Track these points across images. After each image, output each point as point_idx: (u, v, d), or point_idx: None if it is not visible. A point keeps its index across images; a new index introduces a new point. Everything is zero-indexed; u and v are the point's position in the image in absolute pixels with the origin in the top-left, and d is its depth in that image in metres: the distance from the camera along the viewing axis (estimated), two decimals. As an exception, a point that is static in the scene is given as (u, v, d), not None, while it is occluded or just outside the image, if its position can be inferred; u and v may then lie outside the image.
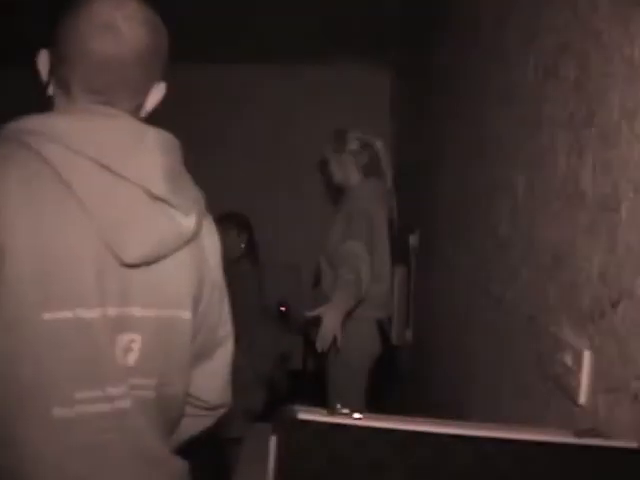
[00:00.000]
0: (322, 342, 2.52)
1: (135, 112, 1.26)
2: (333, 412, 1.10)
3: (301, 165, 4.42)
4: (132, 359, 1.18)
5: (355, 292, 2.68)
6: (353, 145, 3.13)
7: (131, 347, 1.18)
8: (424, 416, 1.18)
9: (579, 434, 1.05)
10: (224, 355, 1.44)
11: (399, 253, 3.54)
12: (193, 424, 1.47)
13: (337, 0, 3.62)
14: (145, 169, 1.13)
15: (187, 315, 1.26)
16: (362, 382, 3.13)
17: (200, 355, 1.39)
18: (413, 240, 3.34)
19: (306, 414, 1.11)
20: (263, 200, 5.11)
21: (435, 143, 3.23)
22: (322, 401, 3.16)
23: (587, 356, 1.41)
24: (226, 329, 1.44)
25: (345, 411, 1.10)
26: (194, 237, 1.24)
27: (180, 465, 1.36)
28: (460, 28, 2.79)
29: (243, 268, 3.67)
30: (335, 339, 2.54)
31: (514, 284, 1.93)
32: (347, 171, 3.14)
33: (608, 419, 1.33)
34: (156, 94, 1.31)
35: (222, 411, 1.49)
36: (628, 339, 1.27)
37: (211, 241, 1.35)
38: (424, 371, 3.18)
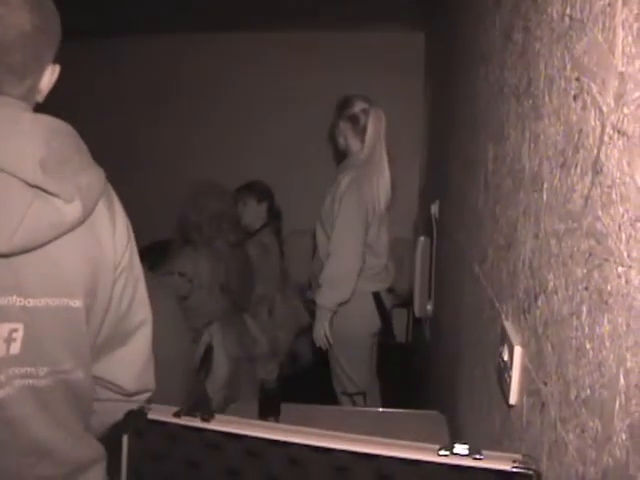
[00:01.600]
0: (318, 343, 3.00)
1: (27, 97, 1.22)
2: (181, 413, 1.03)
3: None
4: (15, 348, 1.16)
5: (337, 291, 2.87)
6: (352, 110, 3.01)
7: (13, 337, 1.16)
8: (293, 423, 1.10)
9: (440, 452, 0.95)
10: (140, 342, 1.41)
11: (422, 224, 3.42)
12: (113, 410, 1.44)
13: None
14: (19, 157, 1.09)
15: (77, 303, 1.23)
16: (365, 358, 3.04)
17: (113, 342, 1.37)
18: (434, 209, 3.19)
19: (156, 414, 1.06)
20: (292, 169, 5.05)
21: (449, 109, 3.06)
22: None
23: (518, 352, 1.29)
24: (141, 316, 1.41)
25: (196, 413, 1.04)
26: (79, 223, 1.19)
27: (88, 451, 1.33)
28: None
29: (264, 238, 3.61)
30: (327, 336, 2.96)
31: (484, 265, 1.79)
32: (347, 137, 3.02)
33: (528, 426, 1.21)
34: (50, 77, 1.26)
35: (144, 397, 1.46)
36: (541, 338, 1.14)
37: (110, 225, 1.30)
38: (438, 344, 3.06)
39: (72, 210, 1.15)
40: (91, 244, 1.25)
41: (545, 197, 1.15)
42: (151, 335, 1.43)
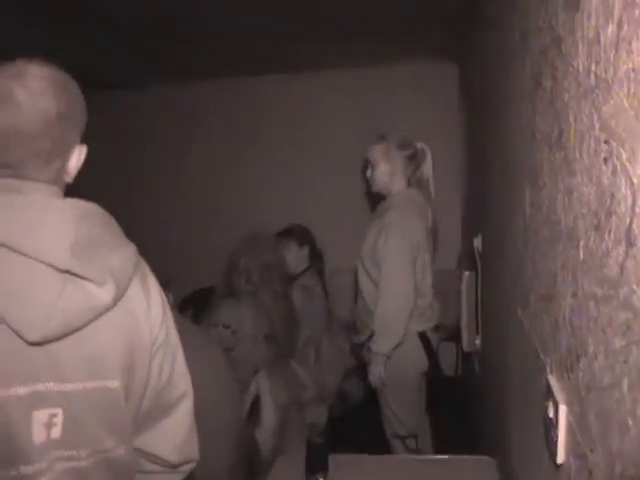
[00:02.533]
0: (374, 385, 2.99)
1: (55, 180, 1.22)
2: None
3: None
4: (56, 433, 1.16)
5: (391, 337, 2.87)
6: (407, 152, 2.99)
7: (53, 422, 1.16)
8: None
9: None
10: (182, 414, 1.40)
11: (466, 257, 3.37)
12: None
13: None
14: (49, 244, 1.10)
15: (115, 384, 1.22)
16: (414, 399, 2.99)
17: (154, 415, 1.36)
18: (477, 243, 3.14)
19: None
20: (328, 208, 5.05)
21: (484, 141, 3.02)
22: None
23: (563, 411, 1.25)
24: (182, 388, 1.40)
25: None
26: (112, 306, 1.19)
27: None
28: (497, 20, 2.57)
29: (308, 281, 3.60)
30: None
31: (527, 310, 1.75)
32: (394, 178, 2.99)
33: (577, 491, 1.16)
34: (77, 157, 1.27)
35: (188, 467, 1.45)
36: (584, 402, 1.10)
37: (144, 302, 1.30)
38: (487, 381, 2.99)
39: (105, 293, 1.15)
40: (126, 324, 1.24)
41: (582, 256, 1.12)
42: (192, 406, 1.41)
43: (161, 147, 5.56)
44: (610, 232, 0.93)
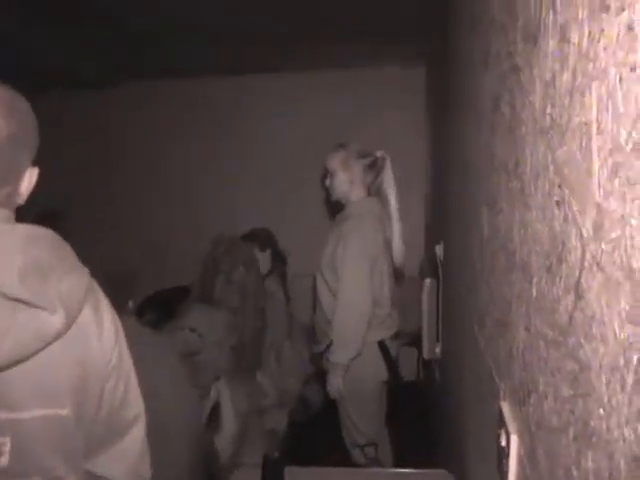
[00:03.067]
0: (332, 396, 3.00)
1: (6, 203, 1.19)
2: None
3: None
4: (4, 461, 1.14)
5: (349, 347, 2.84)
6: (365, 161, 2.99)
7: (1, 450, 1.14)
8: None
9: None
10: (135, 436, 1.40)
11: (428, 264, 3.39)
12: None
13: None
14: None
15: (65, 411, 1.21)
16: (374, 409, 3.00)
17: (107, 438, 1.35)
18: (439, 250, 3.15)
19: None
20: (290, 213, 5.04)
21: (446, 150, 3.03)
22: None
23: (514, 442, 1.26)
24: (134, 411, 1.39)
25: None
26: (64, 332, 1.17)
27: None
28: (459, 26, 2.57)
29: (271, 286, 3.57)
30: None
31: (483, 330, 1.76)
32: (353, 187, 2.99)
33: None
34: (29, 180, 1.25)
35: None
36: (534, 438, 1.11)
37: (97, 327, 1.28)
38: (446, 389, 3.01)
39: (56, 321, 1.13)
40: (78, 350, 1.22)
41: (534, 293, 1.12)
42: (145, 430, 1.41)
43: (142, 145, 5.51)
44: (561, 279, 0.93)
